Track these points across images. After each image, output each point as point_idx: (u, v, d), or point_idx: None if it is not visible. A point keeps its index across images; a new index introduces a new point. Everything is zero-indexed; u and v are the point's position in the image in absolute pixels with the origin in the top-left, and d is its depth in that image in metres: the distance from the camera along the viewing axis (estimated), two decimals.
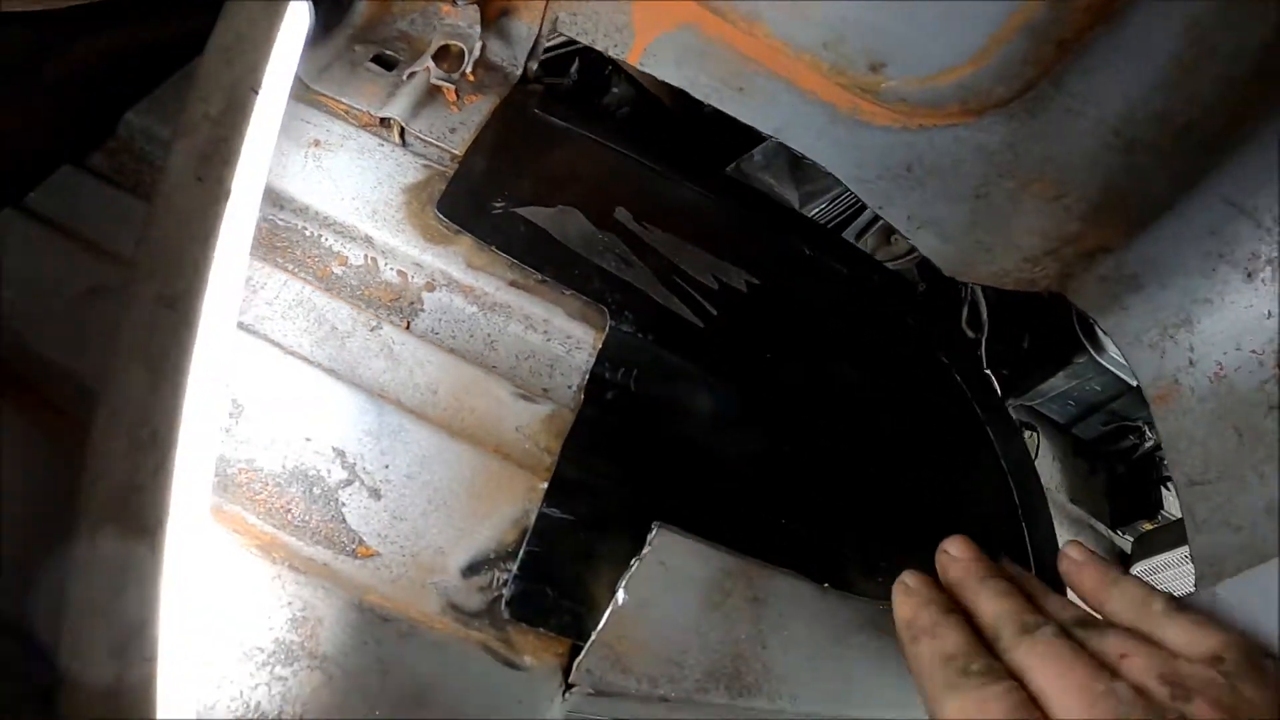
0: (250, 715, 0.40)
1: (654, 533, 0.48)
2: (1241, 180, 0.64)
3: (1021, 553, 0.61)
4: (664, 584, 0.47)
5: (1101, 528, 2.23)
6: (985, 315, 1.95)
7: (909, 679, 0.50)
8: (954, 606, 0.43)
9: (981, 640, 0.40)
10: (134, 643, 0.36)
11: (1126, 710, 0.33)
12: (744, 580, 0.49)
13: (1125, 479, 1.42)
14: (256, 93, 0.47)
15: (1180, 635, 0.37)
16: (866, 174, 0.62)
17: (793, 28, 0.55)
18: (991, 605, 0.41)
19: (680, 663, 0.46)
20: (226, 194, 0.44)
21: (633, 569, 0.47)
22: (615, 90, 1.00)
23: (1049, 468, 2.38)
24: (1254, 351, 0.65)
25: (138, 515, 0.38)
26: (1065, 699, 0.34)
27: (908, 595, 0.45)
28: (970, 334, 2.04)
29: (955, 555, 0.47)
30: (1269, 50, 0.57)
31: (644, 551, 0.47)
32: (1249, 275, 0.65)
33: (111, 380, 0.39)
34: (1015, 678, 0.36)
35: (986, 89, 0.55)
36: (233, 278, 0.44)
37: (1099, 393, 1.48)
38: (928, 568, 0.51)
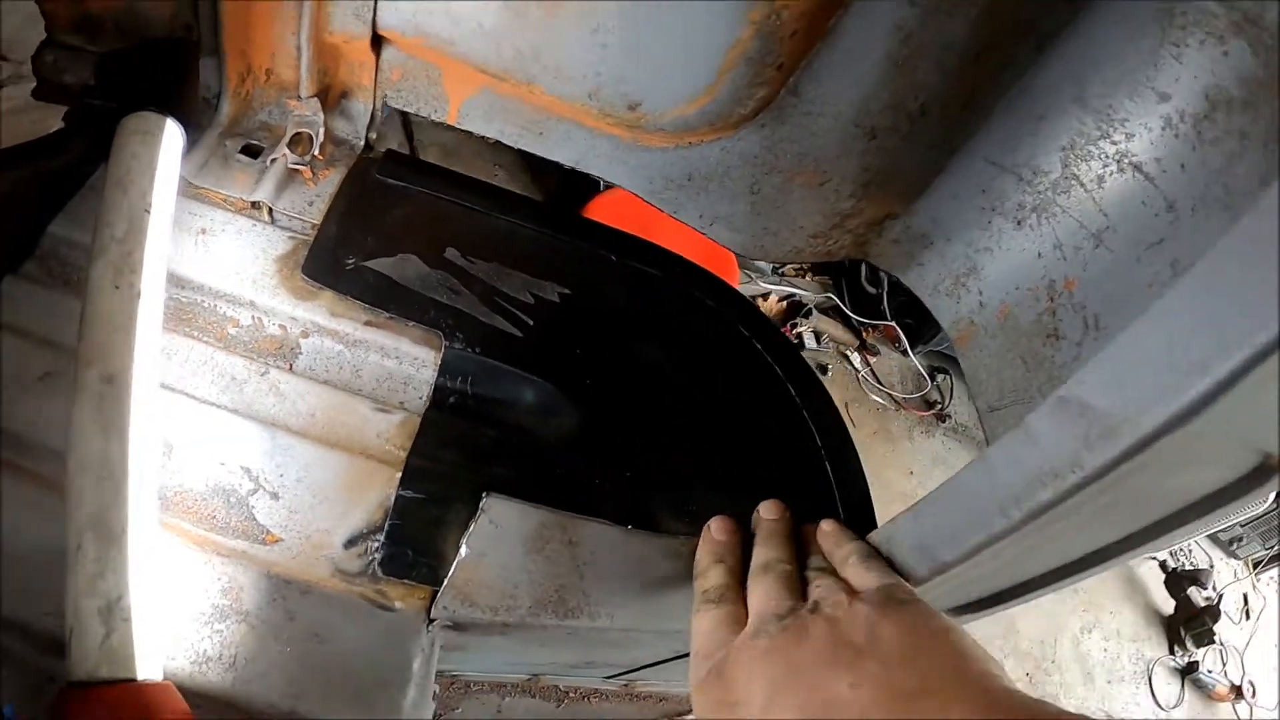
0: (200, 660, 0.71)
1: (485, 499, 0.77)
2: (998, 142, 0.89)
3: (825, 482, 0.88)
4: (496, 538, 0.76)
5: None
6: (883, 272, 2.20)
7: None
8: (723, 556, 0.69)
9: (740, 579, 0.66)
10: (115, 609, 0.66)
11: (773, 607, 0.61)
12: (559, 529, 0.78)
13: None
14: (149, 212, 0.77)
15: (853, 577, 0.63)
16: (656, 187, 0.89)
17: (560, 87, 0.82)
18: (759, 553, 0.68)
19: (514, 595, 0.76)
20: (138, 295, 0.74)
21: (471, 529, 0.76)
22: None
23: (965, 407, 2.60)
24: (1030, 289, 0.90)
25: (109, 528, 0.68)
26: (752, 603, 0.62)
27: (703, 543, 0.72)
28: (871, 290, 2.31)
29: (764, 516, 0.73)
30: (977, 38, 0.82)
31: (479, 515, 0.76)
32: (1018, 223, 0.90)
33: (74, 440, 0.69)
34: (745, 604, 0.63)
35: (726, 112, 0.82)
36: (152, 352, 0.74)
37: None
38: (735, 504, 0.80)
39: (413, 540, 0.76)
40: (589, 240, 0.92)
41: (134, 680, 0.65)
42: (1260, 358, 0.39)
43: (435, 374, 0.82)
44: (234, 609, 0.72)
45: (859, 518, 0.88)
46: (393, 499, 0.76)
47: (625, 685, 1.02)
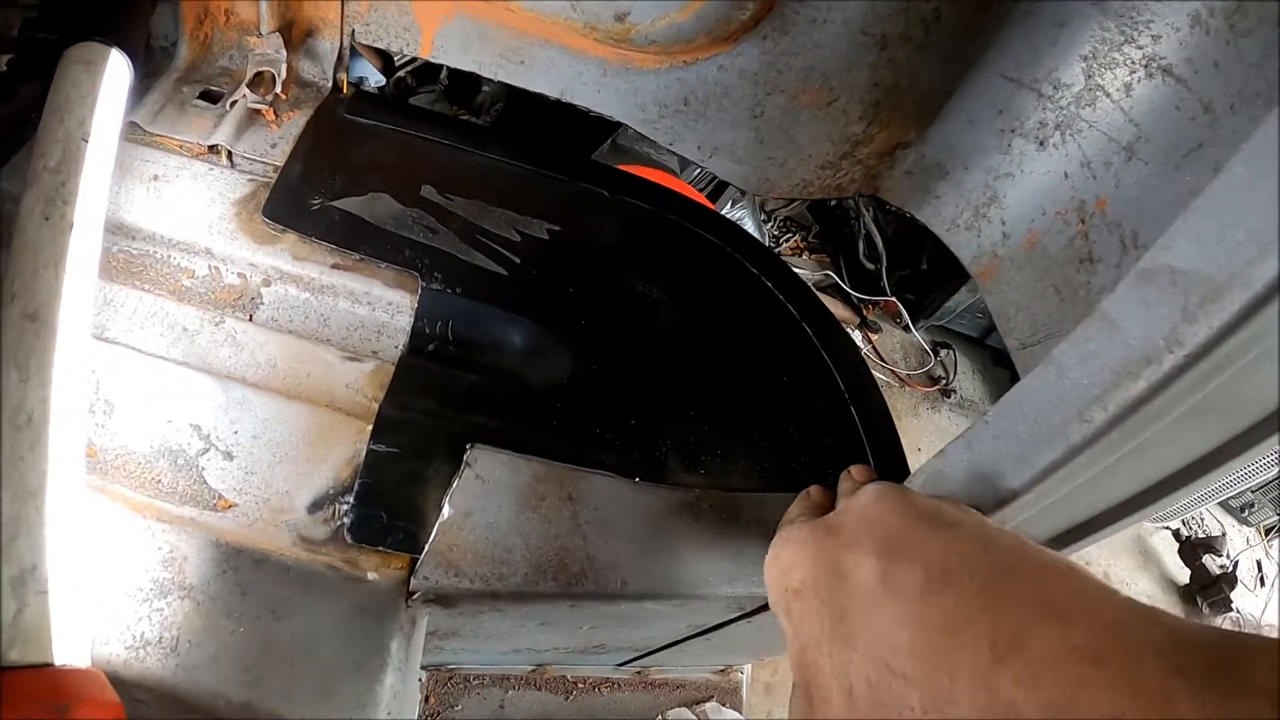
0: (137, 644, 0.58)
1: (469, 452, 0.65)
2: (1016, 56, 0.80)
3: (849, 421, 0.77)
4: (483, 495, 0.64)
5: None
6: (881, 246, 2.11)
7: (725, 553, 0.67)
8: (811, 511, 0.60)
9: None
10: (29, 579, 0.54)
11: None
12: (556, 483, 0.66)
13: None
14: (87, 141, 0.67)
15: None
16: (650, 115, 0.79)
17: None
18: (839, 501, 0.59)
19: (507, 561, 0.63)
20: (70, 227, 0.64)
21: (454, 485, 0.64)
22: (486, 89, 1.20)
23: (970, 381, 2.49)
24: (1059, 213, 0.80)
25: (23, 483, 0.56)
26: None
27: (798, 500, 0.63)
28: (870, 266, 2.21)
29: (853, 477, 0.63)
30: None
31: (462, 469, 0.65)
32: (1041, 143, 0.80)
33: None
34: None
35: (724, 17, 0.73)
36: (84, 291, 0.63)
37: None
38: (752, 452, 0.68)
39: (387, 501, 0.64)
40: (580, 176, 0.82)
41: (50, 665, 0.52)
42: None
43: (410, 319, 0.71)
44: (176, 583, 0.60)
45: (887, 457, 0.76)
46: (363, 454, 0.65)
47: (638, 673, 0.89)
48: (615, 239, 0.79)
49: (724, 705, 0.91)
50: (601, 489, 0.66)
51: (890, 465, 0.76)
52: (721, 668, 0.95)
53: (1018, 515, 0.53)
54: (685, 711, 0.89)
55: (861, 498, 0.51)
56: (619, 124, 1.01)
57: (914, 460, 0.78)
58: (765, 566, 0.54)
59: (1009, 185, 0.81)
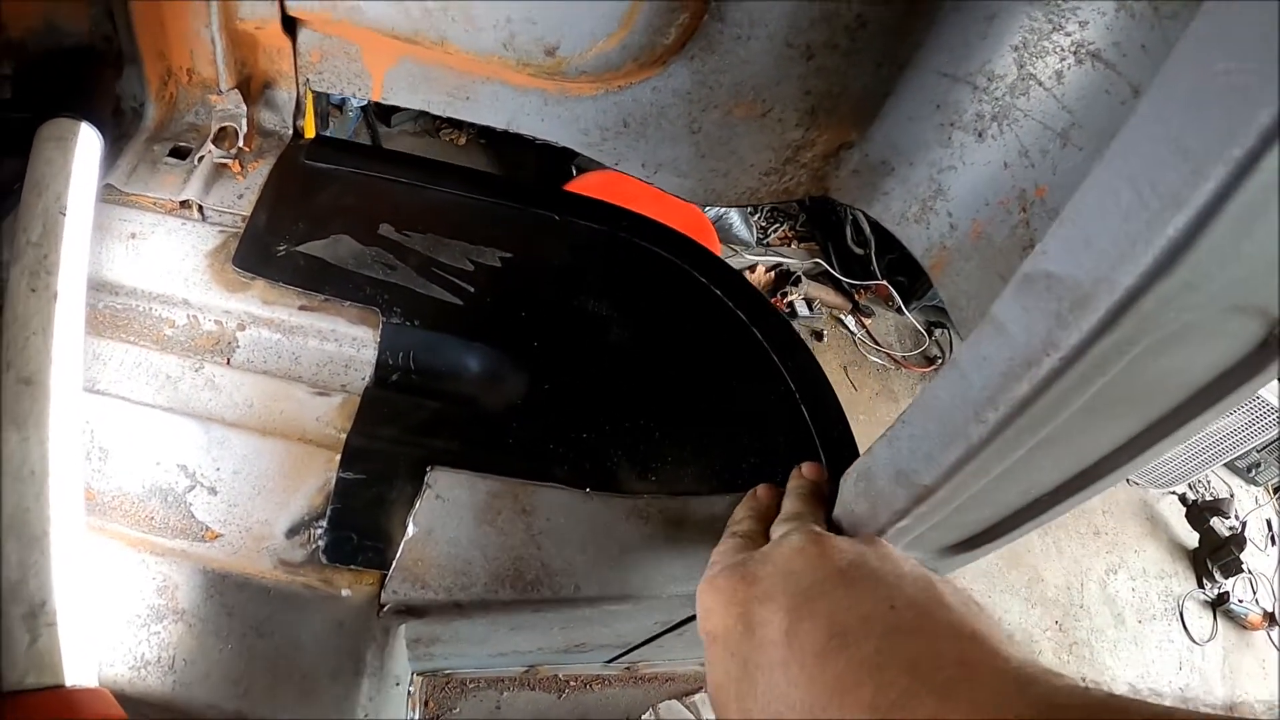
0: (139, 665, 0.65)
1: (429, 474, 0.70)
2: (948, 52, 0.81)
3: (800, 420, 0.80)
4: (443, 512, 0.69)
5: None
6: (869, 231, 2.10)
7: (675, 555, 0.71)
8: (759, 512, 0.64)
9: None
10: (40, 614, 0.61)
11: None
12: (510, 498, 0.70)
13: None
14: (64, 214, 0.73)
15: None
16: (593, 139, 0.83)
17: (472, 40, 0.76)
18: (788, 505, 0.63)
19: (467, 572, 0.68)
20: (54, 296, 0.69)
21: (417, 505, 0.69)
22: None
23: None
24: (1001, 202, 0.81)
25: (29, 530, 0.62)
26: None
27: (745, 501, 0.67)
28: (858, 251, 2.20)
29: (802, 475, 0.66)
30: None
31: (423, 490, 0.70)
32: (980, 135, 0.82)
33: None
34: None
35: (648, 44, 0.75)
36: (73, 354, 0.69)
37: None
38: (702, 457, 0.72)
39: (357, 523, 0.69)
40: (529, 202, 0.86)
41: (62, 686, 0.59)
42: (1240, 174, 0.30)
43: (375, 352, 0.76)
44: (170, 609, 0.66)
45: (839, 453, 0.79)
46: (333, 482, 0.70)
47: (627, 668, 0.94)
48: (565, 260, 0.83)
49: None
50: (553, 501, 0.71)
51: (843, 461, 0.79)
52: None
53: (938, 509, 0.55)
54: (676, 704, 0.94)
55: (784, 547, 0.53)
56: None
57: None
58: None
59: (952, 178, 0.83)
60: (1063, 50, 0.74)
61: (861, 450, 0.83)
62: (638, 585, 0.71)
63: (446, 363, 0.76)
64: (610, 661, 0.93)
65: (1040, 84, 0.76)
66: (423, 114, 1.14)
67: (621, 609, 0.74)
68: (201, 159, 0.83)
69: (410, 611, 0.69)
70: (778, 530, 0.58)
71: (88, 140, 0.77)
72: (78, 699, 0.59)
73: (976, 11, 0.78)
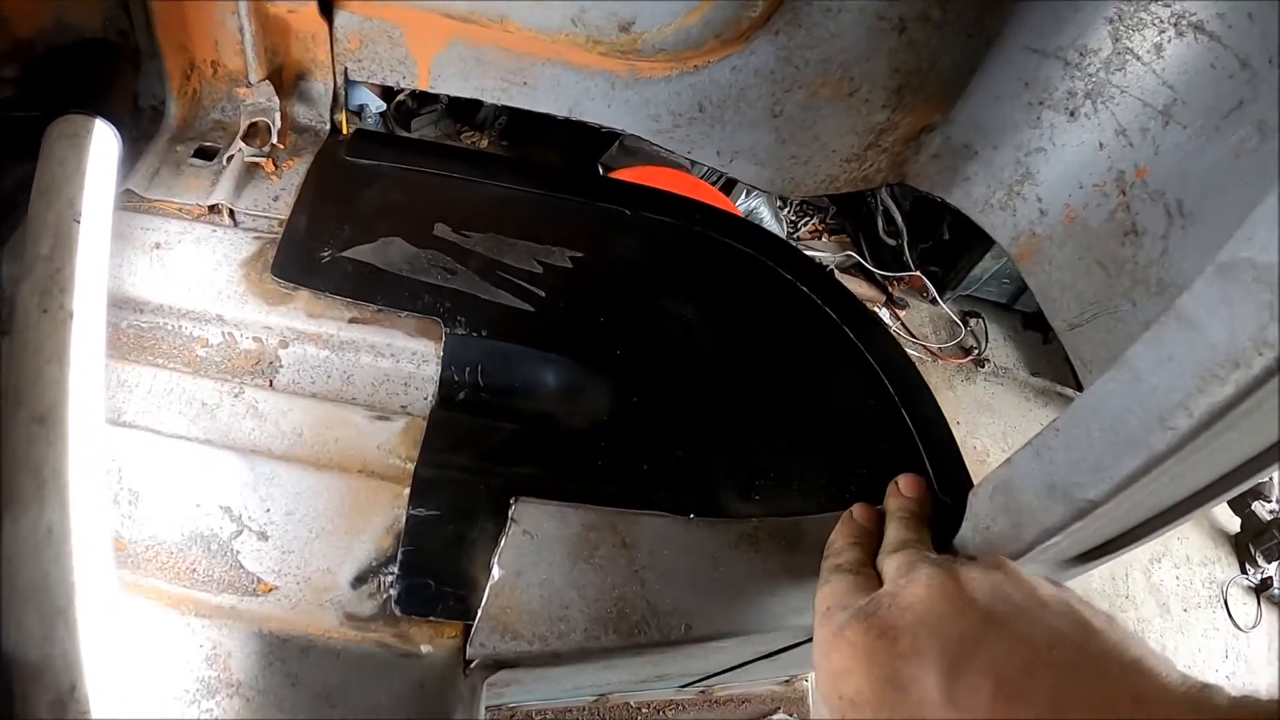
0: None
1: (514, 507, 0.58)
2: (1038, 25, 0.71)
3: (905, 429, 0.69)
4: (533, 551, 0.58)
5: (1069, 392, 2.26)
6: (901, 221, 2.01)
7: (789, 586, 0.60)
8: (860, 539, 0.55)
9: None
10: (70, 701, 0.48)
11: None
12: (609, 530, 0.59)
13: None
14: (78, 222, 0.60)
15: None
16: (664, 125, 0.72)
17: (537, 16, 0.65)
18: (891, 531, 0.55)
19: (564, 618, 0.57)
20: (70, 316, 0.57)
21: (502, 544, 0.57)
22: (487, 104, 1.12)
23: (1002, 348, 2.39)
24: (1097, 185, 0.72)
25: (52, 598, 0.50)
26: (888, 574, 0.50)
27: (841, 525, 0.57)
28: (891, 242, 2.11)
29: (901, 491, 0.58)
30: None
31: (509, 525, 0.58)
32: (1071, 114, 0.72)
33: (5, 495, 0.52)
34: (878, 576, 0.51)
35: (733, 18, 0.65)
36: (93, 383, 0.57)
37: None
38: (808, 471, 0.61)
39: (433, 568, 0.57)
40: (597, 196, 0.74)
41: None
42: None
43: (438, 368, 0.64)
44: (222, 680, 0.53)
45: (945, 460, 0.69)
46: (403, 520, 0.58)
47: (702, 692, 0.83)
48: (642, 259, 0.72)
49: (791, 715, 0.85)
50: (655, 530, 0.60)
51: (948, 467, 0.69)
52: (786, 678, 0.89)
53: (1093, 524, 0.47)
54: None
55: (916, 586, 0.46)
56: None
57: (956, 431, 0.71)
58: (815, 657, 0.49)
59: (1041, 160, 0.73)
60: (1162, 22, 0.65)
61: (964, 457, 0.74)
62: (753, 619, 0.60)
63: (520, 377, 0.65)
64: (685, 686, 0.82)
65: (1138, 58, 0.67)
66: (443, 117, 1.02)
67: (726, 644, 0.63)
68: (231, 159, 0.71)
69: (498, 664, 0.58)
70: (891, 562, 0.51)
71: (103, 138, 0.64)
72: None
73: None
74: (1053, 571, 0.62)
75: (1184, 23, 0.64)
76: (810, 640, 0.67)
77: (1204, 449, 0.40)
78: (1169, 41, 0.64)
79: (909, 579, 0.47)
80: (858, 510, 0.58)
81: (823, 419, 0.69)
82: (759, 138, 0.72)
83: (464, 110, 1.11)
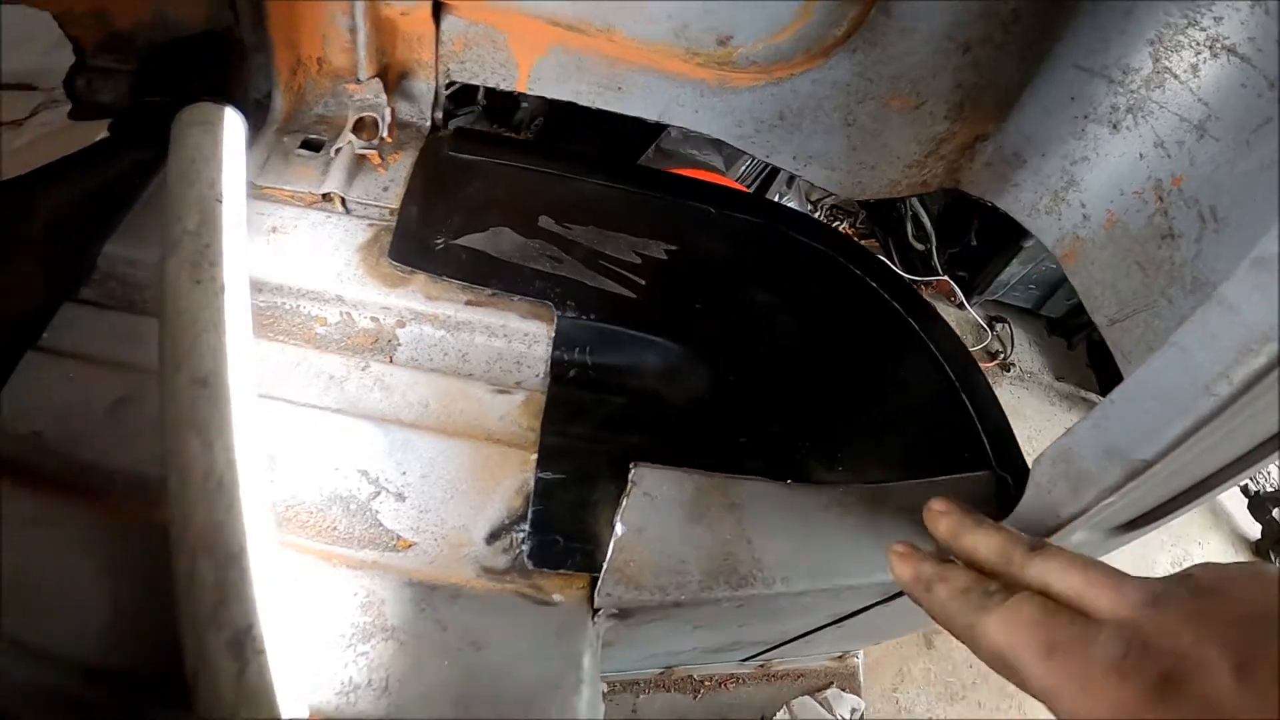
0: (347, 690, 0.57)
1: (633, 470, 0.64)
2: (1086, 45, 0.80)
3: (964, 412, 0.77)
4: (652, 510, 0.63)
5: (1093, 397, 2.38)
6: (929, 226, 2.12)
7: (876, 542, 0.67)
8: (946, 558, 0.50)
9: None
10: (247, 640, 0.52)
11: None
12: (718, 493, 0.65)
13: (1103, 345, 1.59)
14: (220, 201, 0.64)
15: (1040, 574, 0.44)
16: (747, 131, 0.78)
17: (643, 27, 0.71)
18: (991, 540, 0.49)
19: (681, 570, 0.62)
20: (221, 289, 0.61)
21: (624, 504, 0.63)
22: (525, 105, 1.18)
23: (1027, 353, 2.51)
24: (1136, 192, 0.81)
25: (224, 547, 0.54)
26: (1099, 592, 0.41)
27: (903, 559, 0.51)
28: (919, 247, 2.21)
29: (941, 510, 0.54)
30: None
31: (629, 488, 0.63)
32: (1114, 127, 0.81)
33: (173, 452, 0.56)
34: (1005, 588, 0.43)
35: (820, 35, 0.72)
36: (246, 351, 0.61)
37: (1055, 269, 1.63)
38: (881, 444, 0.68)
39: (561, 525, 0.63)
40: (681, 194, 0.81)
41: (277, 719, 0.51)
42: None
43: (548, 348, 0.69)
44: (378, 626, 0.58)
45: (1002, 443, 0.76)
46: (531, 483, 0.63)
47: (760, 666, 0.89)
48: (727, 253, 0.78)
49: (843, 690, 0.92)
50: (758, 494, 0.66)
51: (1004, 446, 0.77)
52: (839, 654, 0.96)
53: (1144, 486, 0.55)
54: (809, 700, 0.90)
55: (1173, 608, 0.38)
56: (662, 129, 1.00)
57: None
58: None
59: (1085, 169, 0.82)
60: (1198, 45, 0.74)
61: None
62: (841, 574, 0.66)
63: (626, 357, 0.70)
64: (746, 660, 0.88)
65: (1175, 77, 0.76)
66: (481, 117, 1.07)
67: (818, 599, 0.69)
68: (339, 150, 0.76)
69: (620, 614, 0.63)
70: (1050, 569, 0.44)
71: (234, 125, 0.68)
72: None
73: (1115, 7, 0.77)
74: (1102, 540, 0.69)
75: (1218, 46, 0.73)
76: (882, 601, 0.74)
77: (1241, 414, 0.48)
78: (1204, 63, 0.72)
79: (1148, 597, 0.40)
80: (900, 545, 0.53)
81: (892, 399, 0.76)
82: (833, 144, 0.79)
83: (501, 112, 1.17)
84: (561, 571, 0.62)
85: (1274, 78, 0.69)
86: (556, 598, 0.61)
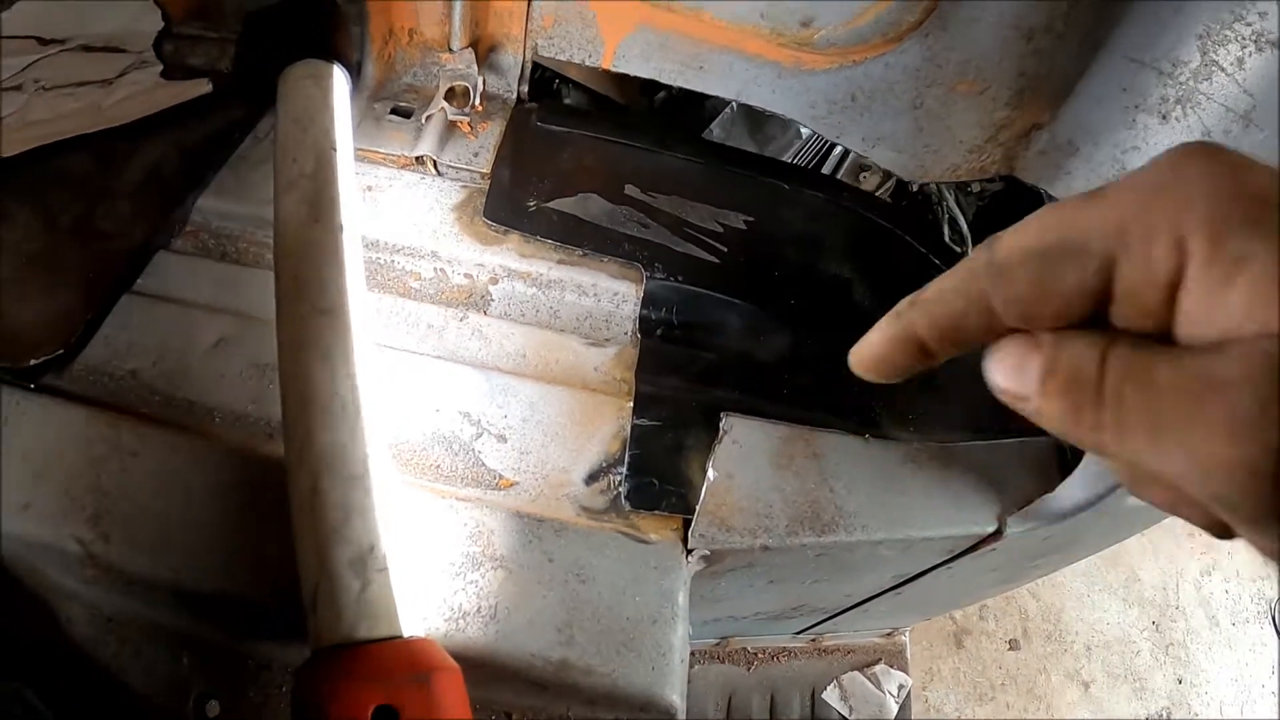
0: (456, 616, 0.59)
1: (724, 420, 0.67)
2: (1137, 38, 0.85)
3: None
4: (741, 457, 0.67)
5: None
6: (965, 229, 2.17)
7: (946, 499, 0.70)
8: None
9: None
10: (369, 558, 0.54)
11: None
12: (802, 443, 0.68)
13: None
14: (335, 150, 0.67)
15: None
16: (819, 112, 0.83)
17: (731, 8, 0.76)
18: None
19: (769, 515, 0.65)
20: (340, 228, 0.64)
21: (715, 451, 0.66)
22: (567, 100, 1.22)
23: None
24: None
25: (348, 468, 0.56)
26: None
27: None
28: (956, 249, 2.26)
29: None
30: None
31: (720, 435, 0.67)
32: (1163, 117, 0.86)
33: (292, 377, 0.58)
34: None
35: (896, 20, 0.77)
36: (363, 289, 0.63)
37: None
38: (947, 404, 0.71)
39: (656, 469, 0.65)
40: (759, 170, 0.85)
41: (400, 637, 0.53)
42: None
43: (636, 307, 0.73)
44: (486, 554, 0.60)
45: None
46: (627, 429, 0.66)
47: (812, 640, 0.91)
48: (802, 227, 0.82)
49: (891, 667, 0.94)
50: (840, 446, 0.69)
51: None
52: (888, 631, 0.98)
53: None
54: (859, 676, 0.92)
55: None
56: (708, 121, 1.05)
57: None
58: None
59: (1136, 158, 0.86)
60: (1244, 39, 0.79)
61: None
62: (916, 525, 0.69)
63: (708, 318, 0.74)
64: (800, 633, 0.90)
65: (1222, 69, 0.81)
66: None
67: (890, 553, 0.72)
68: (429, 117, 0.79)
69: (710, 557, 0.66)
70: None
71: (340, 83, 0.72)
72: (418, 649, 0.53)
73: (1164, 5, 0.83)
74: None
75: (1263, 40, 0.78)
76: (945, 562, 0.77)
77: None
78: (1250, 55, 0.78)
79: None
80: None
81: (955, 366, 0.80)
82: (900, 126, 0.84)
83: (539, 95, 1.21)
84: (657, 512, 0.64)
85: None
86: (653, 537, 0.64)
